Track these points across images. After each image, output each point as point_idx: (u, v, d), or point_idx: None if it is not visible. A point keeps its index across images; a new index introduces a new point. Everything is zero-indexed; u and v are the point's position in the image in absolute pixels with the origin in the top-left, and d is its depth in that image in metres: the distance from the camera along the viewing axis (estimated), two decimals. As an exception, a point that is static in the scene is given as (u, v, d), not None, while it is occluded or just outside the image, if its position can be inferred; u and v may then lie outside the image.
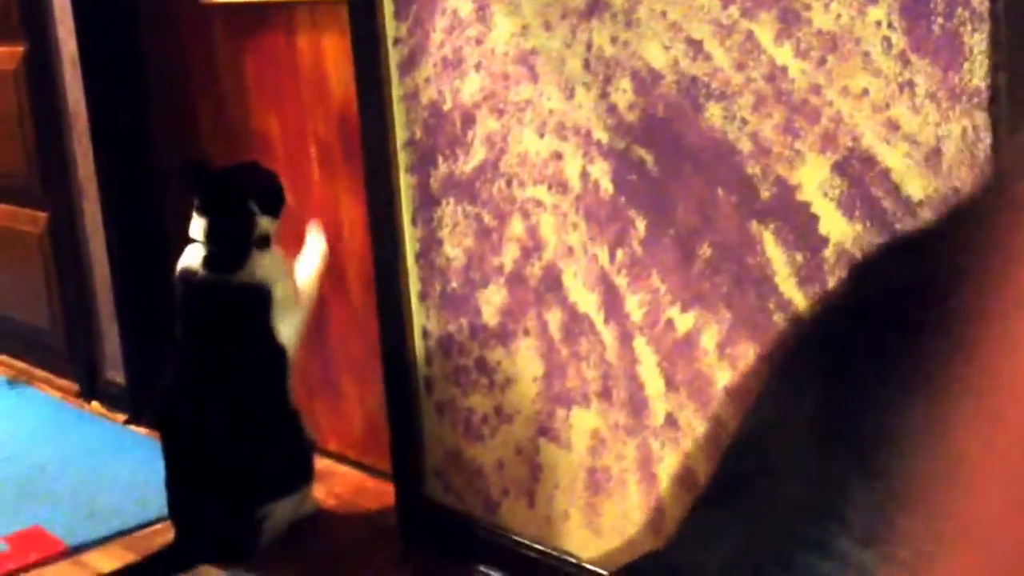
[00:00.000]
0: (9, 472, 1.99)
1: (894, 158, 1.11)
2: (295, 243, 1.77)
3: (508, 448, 1.54)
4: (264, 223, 1.65)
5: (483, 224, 1.51)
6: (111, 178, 2.17)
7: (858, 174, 1.14)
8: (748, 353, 1.25)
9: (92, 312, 2.30)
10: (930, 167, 1.09)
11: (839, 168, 1.15)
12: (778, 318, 1.22)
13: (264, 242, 1.66)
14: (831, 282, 1.17)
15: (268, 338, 1.65)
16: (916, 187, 1.10)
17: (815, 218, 1.17)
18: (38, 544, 1.75)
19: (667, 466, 1.35)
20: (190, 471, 1.68)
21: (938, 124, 1.07)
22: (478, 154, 1.49)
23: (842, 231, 1.16)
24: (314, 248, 1.76)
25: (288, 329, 1.67)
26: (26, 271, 2.43)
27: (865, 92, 1.12)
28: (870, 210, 1.13)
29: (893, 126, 1.11)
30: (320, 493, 1.82)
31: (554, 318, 1.44)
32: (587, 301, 1.40)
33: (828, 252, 1.17)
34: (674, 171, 1.29)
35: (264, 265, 1.65)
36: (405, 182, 1.60)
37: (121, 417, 2.22)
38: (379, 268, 1.67)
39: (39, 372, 2.48)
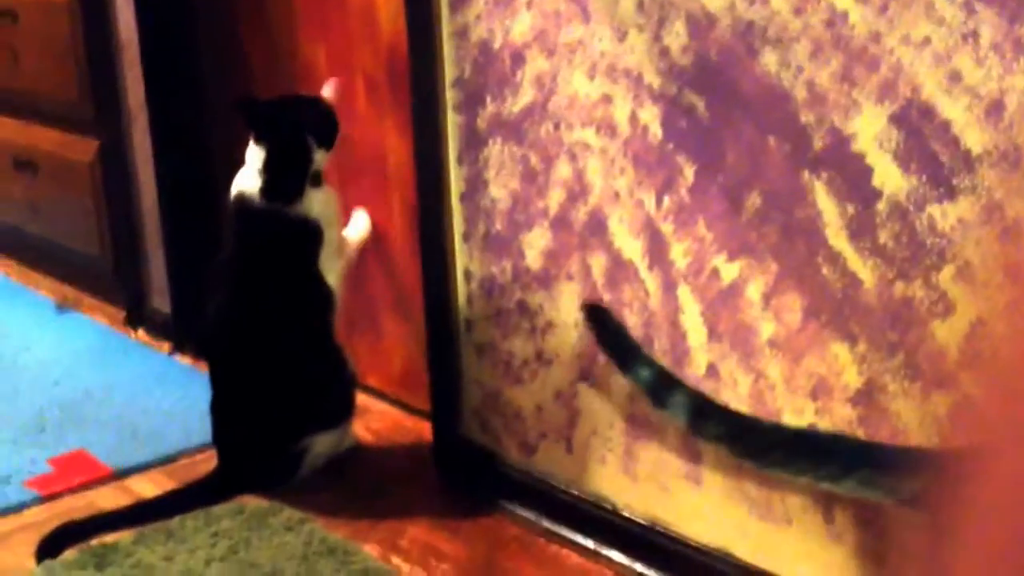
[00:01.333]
0: (55, 396, 2.04)
1: (954, 110, 1.08)
2: (337, 183, 1.77)
3: (547, 392, 1.54)
4: (319, 157, 1.66)
5: (529, 166, 1.49)
6: (161, 107, 2.19)
7: (916, 126, 1.11)
8: (794, 305, 1.23)
9: (139, 240, 2.34)
10: (991, 121, 1.05)
11: (896, 119, 1.12)
12: (827, 271, 1.20)
13: (317, 179, 1.67)
14: (883, 236, 1.15)
15: (316, 274, 1.67)
16: (975, 141, 1.07)
17: (869, 169, 1.15)
18: (82, 467, 1.79)
19: (705, 415, 1.35)
20: (234, 400, 1.71)
21: (1001, 76, 1.04)
22: (527, 95, 1.47)
23: (897, 184, 1.13)
24: (359, 222, 1.81)
25: (332, 274, 1.68)
26: (76, 198, 2.46)
27: (927, 41, 1.09)
28: (927, 163, 1.11)
29: (955, 77, 1.07)
30: (358, 428, 1.85)
31: (598, 263, 1.44)
32: (632, 247, 1.39)
33: (881, 205, 1.15)
34: (725, 118, 1.26)
35: (318, 202, 1.66)
36: (452, 121, 1.58)
37: (166, 346, 2.26)
38: (423, 207, 1.67)
39: (87, 298, 2.53)
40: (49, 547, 1.53)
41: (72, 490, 1.73)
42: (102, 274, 2.46)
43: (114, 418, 1.95)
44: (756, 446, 1.16)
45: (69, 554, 1.52)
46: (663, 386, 1.24)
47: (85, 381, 2.10)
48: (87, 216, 2.44)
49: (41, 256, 2.68)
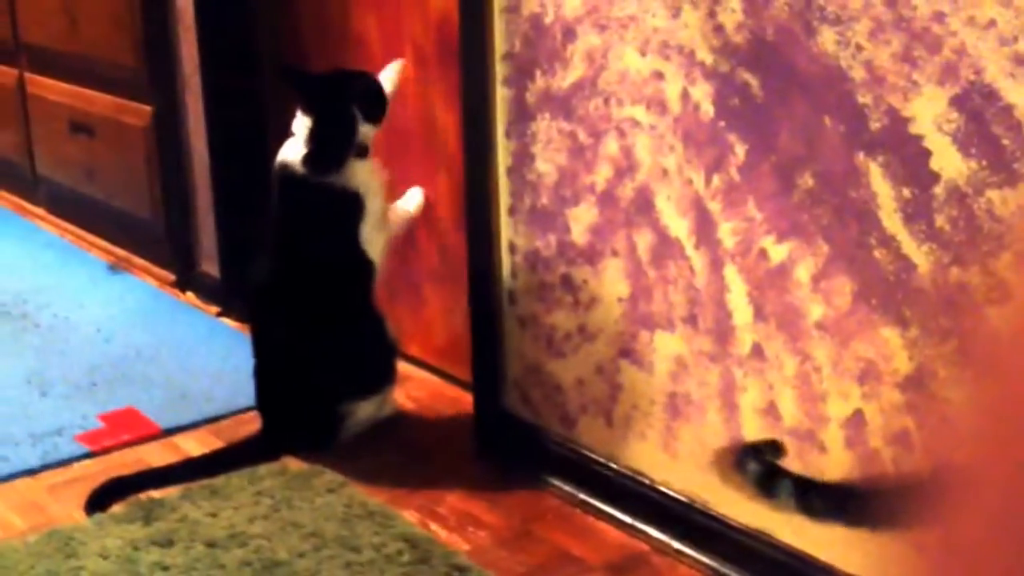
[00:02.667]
0: (107, 354, 2.08)
1: (1018, 94, 1.06)
2: (385, 155, 1.78)
3: (588, 366, 1.55)
4: (365, 131, 1.68)
5: (577, 141, 1.49)
6: (214, 74, 2.21)
7: (978, 109, 1.09)
8: (844, 288, 1.22)
9: (190, 205, 2.37)
10: (1056, 106, 1.03)
11: (957, 102, 1.10)
12: (879, 254, 1.19)
13: (363, 151, 1.68)
14: (939, 220, 1.13)
15: (356, 243, 1.69)
16: (1039, 126, 1.05)
17: (927, 153, 1.13)
18: (132, 424, 1.83)
19: (750, 397, 1.34)
20: (277, 364, 1.73)
21: (1070, 61, 1.02)
22: (577, 70, 1.47)
23: (956, 168, 1.11)
24: (413, 198, 1.83)
25: (373, 245, 1.70)
26: (131, 162, 2.50)
27: (992, 23, 1.06)
28: (988, 148, 1.09)
29: (1020, 60, 1.05)
30: (400, 396, 1.87)
31: (643, 240, 1.43)
32: (679, 225, 1.38)
33: (939, 189, 1.13)
34: (780, 97, 1.25)
35: (361, 173, 1.68)
36: (501, 94, 1.58)
37: (214, 309, 2.29)
38: (470, 179, 1.67)
39: (138, 260, 2.57)
40: (98, 500, 1.58)
41: (121, 446, 1.77)
42: (153, 237, 2.50)
43: (163, 377, 1.99)
44: (860, 512, 1.18)
45: (117, 508, 1.57)
46: (769, 476, 1.26)
47: (135, 341, 2.14)
48: (140, 180, 2.48)
49: (95, 218, 2.73)
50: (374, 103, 1.69)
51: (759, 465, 1.28)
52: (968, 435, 0.45)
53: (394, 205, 1.81)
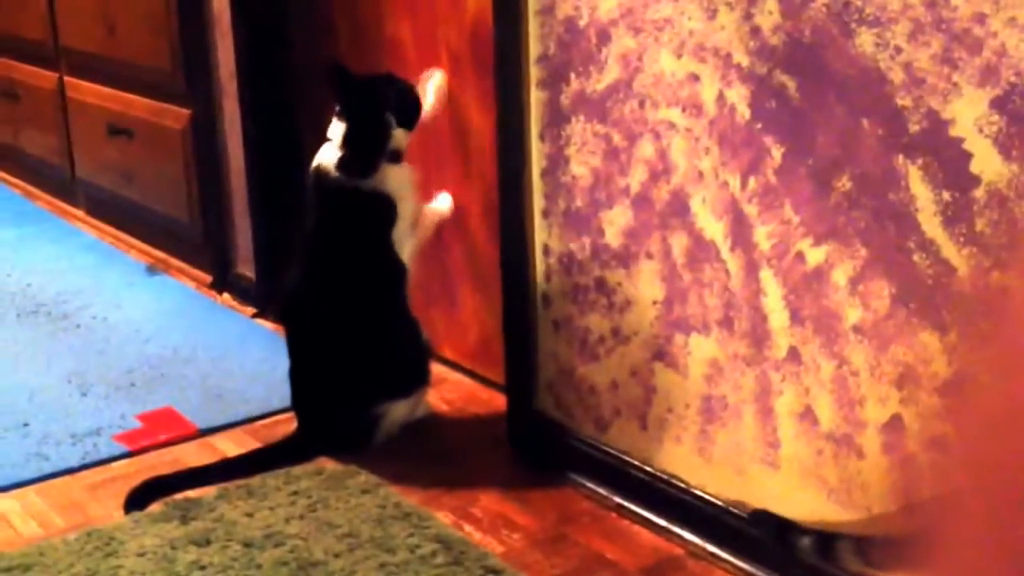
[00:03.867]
0: (145, 355, 2.11)
1: (1061, 96, 1.04)
2: (418, 160, 1.79)
3: (623, 369, 1.54)
4: (399, 135, 1.69)
5: (612, 144, 1.49)
6: (250, 78, 2.23)
7: (1020, 111, 1.07)
8: (882, 292, 1.21)
9: (227, 208, 2.40)
10: (1100, 108, 1.02)
11: (998, 104, 1.09)
12: (918, 258, 1.18)
13: (396, 156, 1.70)
14: (979, 223, 1.12)
15: (388, 247, 1.70)
16: (1083, 128, 1.03)
17: (967, 155, 1.12)
18: (169, 424, 1.86)
19: (786, 400, 1.33)
20: (311, 366, 1.75)
21: (1115, 61, 1.00)
22: (612, 73, 1.47)
23: (997, 171, 1.10)
24: (442, 202, 1.83)
25: (404, 248, 1.71)
26: (169, 165, 2.53)
27: (1035, 24, 1.05)
28: (1030, 150, 1.07)
29: (1063, 62, 1.04)
30: (433, 398, 1.87)
31: (678, 243, 1.43)
32: (714, 228, 1.38)
33: (979, 192, 1.12)
34: (817, 99, 1.24)
35: (394, 178, 1.69)
36: (535, 97, 1.59)
37: (250, 310, 2.32)
38: (504, 182, 1.68)
39: (176, 262, 2.61)
40: (136, 500, 1.60)
41: (159, 446, 1.79)
42: (191, 239, 2.53)
43: (200, 378, 2.01)
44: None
45: (155, 507, 1.58)
46: (826, 543, 1.25)
47: (173, 341, 2.17)
48: (178, 183, 2.51)
49: (133, 220, 2.77)
50: (408, 108, 1.71)
51: (809, 536, 1.27)
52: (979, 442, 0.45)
53: (425, 208, 1.82)
